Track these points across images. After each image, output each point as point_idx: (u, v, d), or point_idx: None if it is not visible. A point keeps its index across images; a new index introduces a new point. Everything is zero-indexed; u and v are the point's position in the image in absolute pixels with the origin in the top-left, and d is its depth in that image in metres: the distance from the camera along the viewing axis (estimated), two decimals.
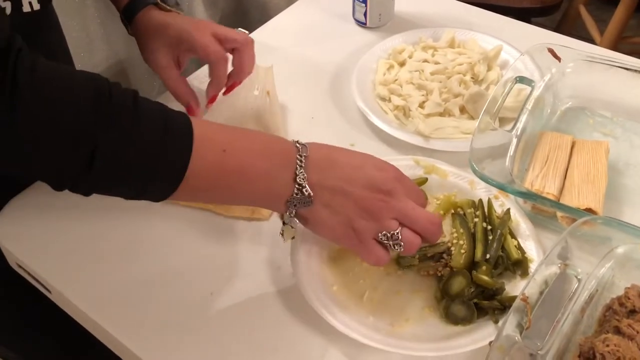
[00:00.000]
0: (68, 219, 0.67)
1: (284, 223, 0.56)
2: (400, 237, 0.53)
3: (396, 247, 0.54)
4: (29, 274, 0.65)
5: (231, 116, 0.77)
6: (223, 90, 0.75)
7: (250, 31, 0.95)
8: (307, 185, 0.53)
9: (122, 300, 0.60)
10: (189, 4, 1.18)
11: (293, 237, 0.58)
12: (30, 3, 0.63)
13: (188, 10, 1.18)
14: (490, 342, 0.49)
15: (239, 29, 0.76)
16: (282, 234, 0.57)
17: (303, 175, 0.53)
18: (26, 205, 0.68)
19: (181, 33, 0.71)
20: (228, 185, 0.53)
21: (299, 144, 0.54)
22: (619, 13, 1.71)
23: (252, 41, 0.74)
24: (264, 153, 0.53)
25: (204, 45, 0.70)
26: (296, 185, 0.52)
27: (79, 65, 0.97)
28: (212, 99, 0.74)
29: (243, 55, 0.72)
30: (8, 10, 0.59)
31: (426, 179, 0.68)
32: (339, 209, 0.54)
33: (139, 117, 0.47)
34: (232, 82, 0.75)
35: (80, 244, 0.64)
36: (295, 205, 0.53)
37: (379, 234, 0.54)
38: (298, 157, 0.53)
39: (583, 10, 1.93)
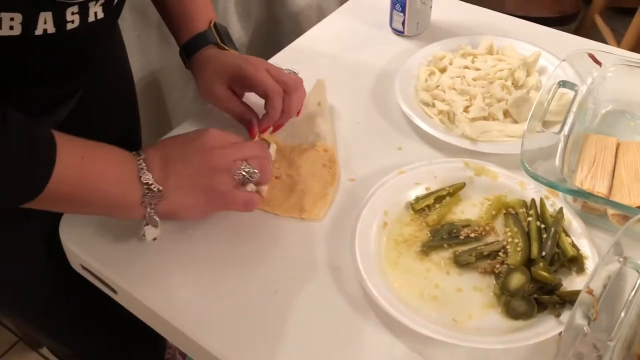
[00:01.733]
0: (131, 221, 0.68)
1: (145, 224, 0.61)
2: (249, 167, 0.62)
3: (254, 176, 0.62)
4: (93, 275, 0.67)
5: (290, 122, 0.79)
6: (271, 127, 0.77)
7: (286, 42, 0.98)
8: (154, 182, 0.59)
9: (189, 298, 0.62)
10: (224, 14, 1.21)
11: (155, 239, 0.63)
12: (95, 13, 0.65)
13: (222, 20, 1.21)
14: (561, 333, 0.50)
15: (289, 68, 0.79)
16: (144, 235, 0.62)
17: (147, 175, 0.59)
18: None
19: (237, 71, 0.74)
20: (87, 190, 0.58)
21: (134, 152, 0.61)
22: (637, 21, 1.73)
23: (301, 83, 0.77)
24: (115, 162, 0.60)
25: (261, 82, 0.73)
26: (144, 185, 0.59)
27: None
28: (263, 130, 0.75)
29: (292, 98, 0.74)
30: (76, 23, 0.62)
31: (464, 184, 0.70)
32: (189, 185, 0.61)
33: (4, 131, 0.52)
34: (279, 122, 0.76)
35: (143, 244, 0.66)
36: (150, 204, 0.59)
37: (234, 178, 0.62)
38: (137, 162, 0.60)
39: (599, 20, 1.96)
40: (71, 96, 0.77)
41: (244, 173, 0.62)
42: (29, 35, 0.56)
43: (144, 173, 0.59)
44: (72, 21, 0.60)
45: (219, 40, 0.78)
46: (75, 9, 0.59)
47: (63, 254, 0.70)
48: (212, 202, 0.62)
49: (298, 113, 0.78)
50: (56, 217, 0.70)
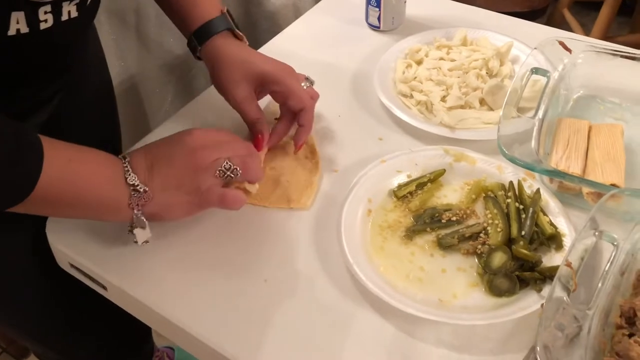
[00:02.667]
0: None
1: (132, 229, 0.62)
2: (231, 164, 0.62)
3: (236, 173, 0.62)
4: (82, 273, 0.68)
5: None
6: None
7: (263, 42, 0.99)
8: (140, 183, 0.60)
9: (179, 290, 0.63)
10: None
11: (146, 241, 0.63)
12: (69, 12, 0.65)
13: None
14: (542, 305, 0.53)
15: (308, 77, 0.78)
16: (135, 240, 0.62)
17: (133, 176, 0.60)
18: None
19: (270, 77, 0.72)
20: (75, 193, 0.58)
21: (120, 155, 0.62)
22: (604, 13, 1.78)
23: (317, 98, 0.77)
24: (101, 165, 0.61)
25: (298, 94, 0.72)
26: (130, 187, 0.60)
27: None
28: (300, 146, 0.75)
29: (309, 114, 0.74)
30: (50, 22, 0.62)
31: (444, 171, 0.72)
32: (174, 185, 0.61)
33: None
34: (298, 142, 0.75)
35: (132, 240, 0.67)
36: (137, 205, 0.60)
37: (216, 175, 0.62)
38: (123, 164, 0.61)
39: (567, 14, 2.01)
40: (49, 101, 0.76)
41: (224, 170, 0.62)
42: (1, 36, 0.57)
43: (129, 175, 0.60)
44: (46, 20, 0.60)
45: (234, 26, 0.76)
46: (48, 8, 0.59)
47: (50, 256, 0.71)
48: (195, 201, 0.62)
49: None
50: (41, 219, 0.70)
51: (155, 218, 0.62)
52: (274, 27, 1.18)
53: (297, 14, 1.16)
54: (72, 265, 0.68)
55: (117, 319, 0.91)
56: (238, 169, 0.63)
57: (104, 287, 0.66)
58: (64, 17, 0.62)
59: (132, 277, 0.64)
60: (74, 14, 0.64)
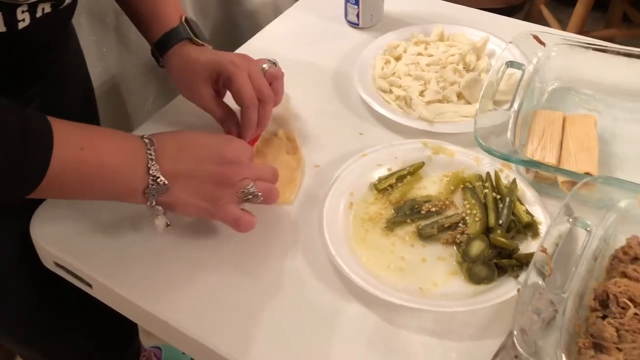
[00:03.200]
0: (100, 213, 0.70)
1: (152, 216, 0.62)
2: (255, 188, 0.62)
3: (257, 199, 0.63)
4: (67, 271, 0.68)
5: None
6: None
7: (244, 40, 1.00)
8: (160, 175, 0.59)
9: (164, 285, 0.64)
10: None
11: (167, 224, 0.63)
12: (43, 8, 0.66)
13: None
14: (519, 290, 0.54)
15: (269, 59, 0.78)
16: (156, 227, 0.62)
17: (155, 167, 0.59)
18: (58, 205, 0.71)
19: (221, 70, 0.72)
20: (87, 181, 0.58)
21: (146, 138, 0.60)
22: (579, 9, 1.82)
23: (281, 77, 0.77)
24: (119, 150, 0.59)
25: (239, 88, 0.71)
26: (150, 177, 0.59)
27: None
28: (251, 143, 0.75)
29: (266, 109, 0.73)
30: (27, 21, 0.62)
31: (423, 163, 0.73)
32: (195, 187, 0.61)
33: None
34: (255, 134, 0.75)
35: (115, 236, 0.68)
36: (153, 195, 0.60)
37: (238, 194, 0.62)
38: (147, 151, 0.59)
39: (544, 10, 2.04)
40: (29, 103, 0.77)
41: (247, 192, 0.62)
42: None
43: (152, 164, 0.59)
44: (23, 19, 0.61)
45: (192, 35, 0.76)
46: (25, 7, 0.60)
47: (34, 258, 0.71)
48: (208, 210, 0.62)
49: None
50: (25, 221, 0.70)
51: (166, 207, 0.62)
52: (254, 26, 1.19)
53: (277, 12, 1.16)
54: (57, 264, 0.69)
55: (102, 319, 0.92)
56: (260, 195, 0.63)
57: (89, 285, 0.67)
58: (39, 13, 0.63)
59: (117, 274, 0.65)
60: (48, 9, 0.64)
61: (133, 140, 0.60)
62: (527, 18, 2.17)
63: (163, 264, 0.66)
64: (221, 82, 0.73)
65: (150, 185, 0.59)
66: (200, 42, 0.77)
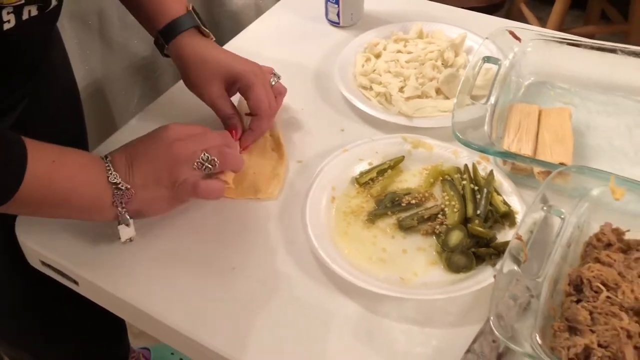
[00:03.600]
0: None
1: (119, 223, 0.63)
2: (208, 155, 0.64)
3: (214, 164, 0.64)
4: (53, 269, 0.69)
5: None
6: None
7: (226, 40, 1.01)
8: (121, 181, 0.61)
9: (149, 280, 0.65)
10: None
11: (131, 239, 0.65)
12: (29, 11, 0.66)
13: None
14: (495, 276, 0.56)
15: (274, 73, 0.81)
16: (119, 236, 0.64)
17: (114, 175, 0.62)
18: None
19: (238, 77, 0.74)
20: (59, 193, 0.60)
21: (102, 155, 0.64)
22: (557, 7, 1.85)
23: (285, 93, 0.81)
24: (85, 164, 0.62)
25: (258, 99, 0.74)
26: (112, 186, 0.61)
27: None
28: (245, 148, 0.77)
29: (270, 121, 0.77)
30: (12, 22, 0.63)
31: (403, 157, 0.75)
32: (153, 179, 0.63)
33: None
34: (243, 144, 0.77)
35: (101, 234, 0.68)
36: (121, 203, 0.62)
37: (195, 167, 0.63)
38: (105, 164, 0.63)
39: (524, 8, 2.07)
40: (15, 106, 0.77)
41: (202, 162, 0.64)
42: None
43: (110, 173, 0.62)
44: (9, 21, 0.62)
45: (200, 23, 0.77)
46: (10, 8, 0.61)
47: (21, 258, 0.71)
48: (176, 194, 0.64)
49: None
50: (10, 222, 0.71)
51: (139, 215, 0.64)
52: (237, 26, 1.20)
53: (259, 13, 1.17)
54: (43, 263, 0.69)
55: (90, 320, 0.92)
56: (216, 159, 0.64)
57: (76, 282, 0.67)
58: (25, 16, 0.64)
59: (102, 270, 0.66)
60: (34, 12, 0.65)
61: (94, 157, 0.64)
62: (507, 17, 2.19)
63: (148, 259, 0.66)
64: (238, 88, 0.76)
65: (114, 193, 0.61)
66: (207, 31, 0.78)
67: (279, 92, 0.80)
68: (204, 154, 0.64)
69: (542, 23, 2.05)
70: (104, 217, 0.63)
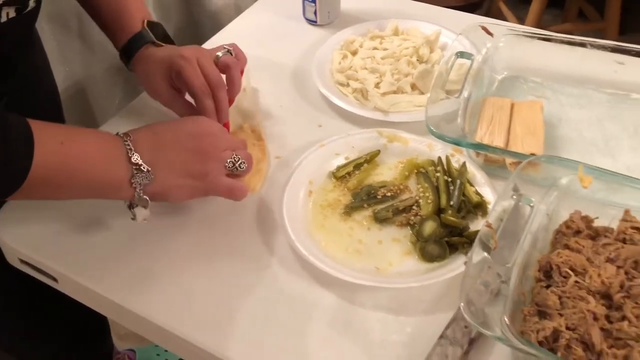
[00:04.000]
0: (63, 209, 0.71)
1: (132, 207, 0.63)
2: (239, 157, 0.65)
3: (242, 167, 0.66)
4: (33, 267, 0.69)
5: None
6: None
7: (206, 39, 1.02)
8: (143, 163, 0.61)
9: (129, 274, 0.65)
10: None
11: (145, 220, 0.64)
12: (7, 13, 0.67)
13: None
14: (465, 262, 0.57)
15: (225, 47, 0.78)
16: (134, 218, 0.63)
17: (136, 156, 0.61)
18: (21, 204, 0.72)
19: (173, 66, 0.73)
20: (69, 174, 0.59)
21: (120, 134, 0.63)
22: (535, 5, 1.87)
23: (236, 64, 0.76)
24: (98, 143, 0.62)
25: (187, 80, 0.72)
26: (133, 166, 0.61)
27: None
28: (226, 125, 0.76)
29: (220, 97, 0.73)
30: None
31: (379, 151, 0.76)
32: (180, 168, 0.63)
33: None
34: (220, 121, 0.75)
35: (78, 230, 0.69)
36: (140, 184, 0.61)
37: (225, 165, 0.65)
38: (125, 143, 0.61)
39: (503, 7, 2.09)
40: None
41: (233, 162, 0.65)
42: None
43: (133, 154, 0.61)
44: None
45: (154, 38, 0.77)
46: None
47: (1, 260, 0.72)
48: (200, 187, 0.64)
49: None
50: None
51: (156, 198, 0.63)
52: (217, 25, 1.20)
53: (238, 12, 1.18)
54: (21, 261, 0.70)
55: (71, 318, 0.93)
56: (245, 163, 0.66)
57: (55, 279, 0.68)
58: (2, 18, 0.64)
59: (81, 266, 0.66)
60: (12, 14, 0.65)
61: (109, 135, 0.63)
62: (487, 16, 2.22)
63: (126, 254, 0.67)
64: (174, 77, 0.74)
65: (135, 174, 0.61)
66: (160, 43, 0.78)
67: (226, 66, 0.76)
68: (236, 155, 0.65)
69: (522, 22, 2.08)
70: (120, 196, 0.62)
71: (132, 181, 0.61)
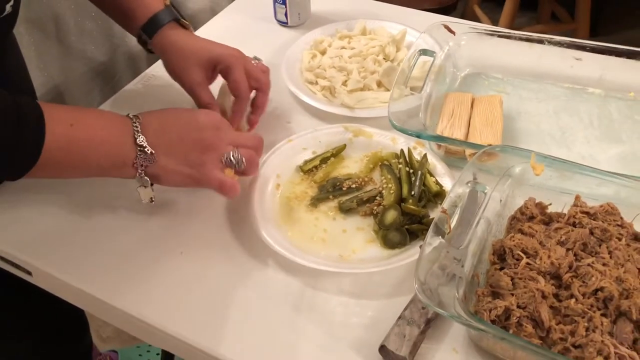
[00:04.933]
0: (40, 202, 0.73)
1: (139, 186, 0.66)
2: (239, 155, 0.67)
3: (240, 165, 0.67)
4: (5, 260, 0.71)
5: None
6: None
7: None
8: (147, 145, 0.64)
9: (102, 268, 0.67)
10: None
11: (152, 199, 0.67)
12: None
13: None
14: (420, 246, 0.60)
15: (255, 56, 0.84)
16: (140, 198, 0.66)
17: (142, 138, 0.64)
18: None
19: (217, 58, 0.77)
20: (79, 154, 0.63)
21: (130, 115, 0.66)
22: (507, 7, 1.92)
23: (268, 72, 0.82)
24: (106, 124, 0.65)
25: (237, 80, 0.76)
26: (138, 147, 0.64)
27: None
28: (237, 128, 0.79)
29: (264, 96, 0.80)
30: None
31: (345, 145, 0.79)
32: (180, 155, 0.66)
33: None
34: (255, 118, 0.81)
35: (51, 223, 0.71)
36: (142, 165, 0.64)
37: (222, 160, 0.66)
38: (133, 125, 0.64)
39: (478, 10, 2.14)
40: None
41: (231, 159, 0.66)
42: None
43: (139, 135, 0.63)
44: None
45: (179, 16, 0.80)
46: None
47: None
48: (195, 175, 0.66)
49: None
50: None
51: (154, 180, 0.66)
52: (193, 28, 1.23)
53: (213, 15, 1.21)
54: None
55: (47, 313, 0.94)
56: (243, 162, 0.67)
57: (29, 273, 0.70)
58: None
59: (55, 259, 0.68)
60: None
61: (119, 116, 0.65)
62: (462, 18, 2.27)
63: (99, 246, 0.69)
64: (218, 71, 0.79)
65: (138, 155, 0.63)
66: (187, 22, 0.81)
67: (263, 71, 0.81)
68: (236, 152, 0.67)
69: (496, 24, 2.12)
70: (123, 175, 0.65)
71: (135, 162, 0.63)
